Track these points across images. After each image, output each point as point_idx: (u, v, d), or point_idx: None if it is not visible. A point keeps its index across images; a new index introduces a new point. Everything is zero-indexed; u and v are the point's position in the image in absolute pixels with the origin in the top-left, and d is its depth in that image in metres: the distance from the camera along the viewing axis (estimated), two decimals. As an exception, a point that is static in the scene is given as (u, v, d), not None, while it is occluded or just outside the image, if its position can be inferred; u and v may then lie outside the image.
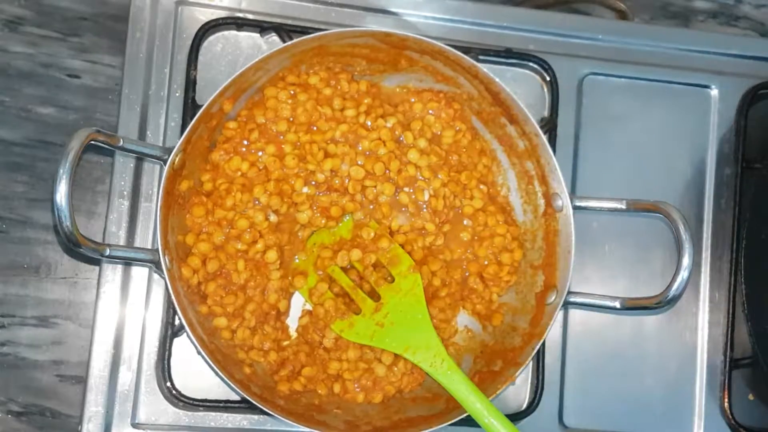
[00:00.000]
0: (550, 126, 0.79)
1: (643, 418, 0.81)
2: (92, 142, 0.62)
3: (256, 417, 0.74)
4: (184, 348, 0.72)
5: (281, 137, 0.72)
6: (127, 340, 0.73)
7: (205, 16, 0.77)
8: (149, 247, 0.74)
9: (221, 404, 0.73)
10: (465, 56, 0.72)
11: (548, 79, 0.81)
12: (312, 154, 0.72)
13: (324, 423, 0.70)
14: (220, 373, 0.67)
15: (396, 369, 0.73)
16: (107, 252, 0.65)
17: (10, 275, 0.75)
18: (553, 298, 0.73)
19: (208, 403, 0.72)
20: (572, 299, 0.72)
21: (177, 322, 0.72)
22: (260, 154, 0.72)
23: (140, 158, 0.74)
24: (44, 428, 0.75)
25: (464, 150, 0.76)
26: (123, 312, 0.73)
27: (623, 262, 0.82)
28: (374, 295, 0.73)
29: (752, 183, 0.81)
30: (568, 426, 0.79)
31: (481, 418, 0.67)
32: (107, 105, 0.77)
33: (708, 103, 0.85)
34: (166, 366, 0.71)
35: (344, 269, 0.73)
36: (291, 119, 0.72)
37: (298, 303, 0.74)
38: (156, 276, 0.74)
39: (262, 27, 0.77)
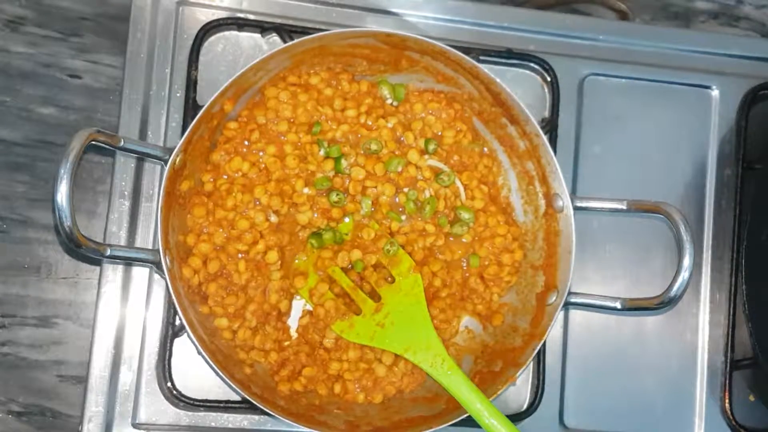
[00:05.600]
0: (550, 126, 0.79)
1: (643, 418, 0.81)
2: (93, 142, 0.62)
3: (256, 417, 0.74)
4: (184, 348, 0.72)
5: (282, 137, 0.72)
6: (128, 341, 0.73)
7: (206, 16, 0.77)
8: (150, 247, 0.74)
9: (222, 404, 0.73)
10: (466, 57, 0.72)
11: (549, 79, 0.81)
12: (313, 155, 0.72)
13: (324, 423, 0.70)
14: (221, 374, 0.67)
15: (396, 369, 0.73)
16: (108, 252, 0.65)
17: (10, 275, 0.75)
18: (554, 298, 0.72)
19: (208, 404, 0.72)
20: (573, 300, 0.72)
21: (178, 322, 0.72)
22: (261, 154, 0.72)
23: (141, 158, 0.74)
24: (45, 428, 0.75)
25: (465, 150, 0.76)
26: (123, 312, 0.73)
27: (624, 263, 0.82)
28: (375, 296, 0.73)
29: (753, 184, 0.81)
30: (568, 426, 0.79)
31: (482, 418, 0.67)
32: (108, 105, 0.77)
33: (709, 104, 0.85)
34: (167, 366, 0.71)
35: (344, 270, 0.73)
36: (292, 119, 0.72)
37: (299, 303, 0.74)
38: (157, 276, 0.74)
39: (263, 27, 0.77)
